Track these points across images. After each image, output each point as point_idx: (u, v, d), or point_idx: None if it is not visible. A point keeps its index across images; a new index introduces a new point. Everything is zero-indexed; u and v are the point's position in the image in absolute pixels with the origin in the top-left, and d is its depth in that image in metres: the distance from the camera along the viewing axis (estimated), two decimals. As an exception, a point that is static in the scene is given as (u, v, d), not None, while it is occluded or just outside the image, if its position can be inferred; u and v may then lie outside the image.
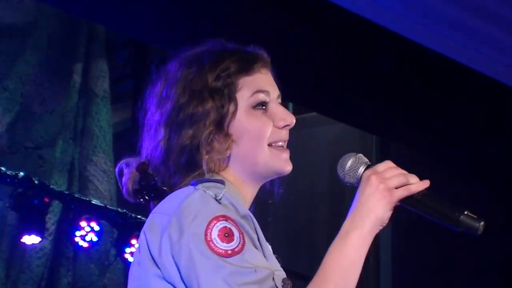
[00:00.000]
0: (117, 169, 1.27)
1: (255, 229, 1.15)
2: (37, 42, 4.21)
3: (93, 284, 4.28)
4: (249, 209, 1.26)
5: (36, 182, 3.87)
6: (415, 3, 3.32)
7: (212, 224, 1.09)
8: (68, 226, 4.16)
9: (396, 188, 1.13)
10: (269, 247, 1.21)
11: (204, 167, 1.19)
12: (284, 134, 1.24)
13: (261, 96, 1.23)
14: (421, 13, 3.35)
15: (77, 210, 4.10)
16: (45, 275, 4.18)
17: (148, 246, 1.13)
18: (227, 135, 1.21)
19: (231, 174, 1.23)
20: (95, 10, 3.18)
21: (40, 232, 3.92)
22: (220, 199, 1.12)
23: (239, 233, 1.09)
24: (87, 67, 4.35)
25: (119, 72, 4.62)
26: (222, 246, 1.07)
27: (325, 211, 6.81)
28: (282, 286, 1.10)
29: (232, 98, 1.22)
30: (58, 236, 4.21)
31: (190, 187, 1.15)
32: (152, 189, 1.23)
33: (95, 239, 4.17)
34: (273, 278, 1.09)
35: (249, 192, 1.25)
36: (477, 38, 3.48)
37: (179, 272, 1.08)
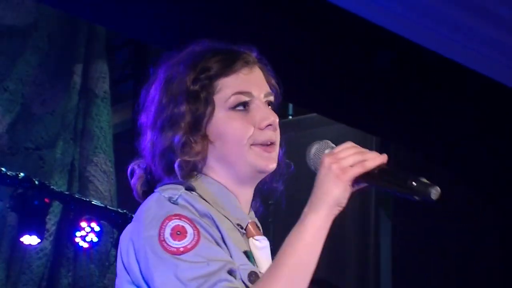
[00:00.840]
0: (129, 170, 1.28)
1: (218, 228, 1.15)
2: (37, 43, 4.21)
3: (94, 285, 4.29)
4: (253, 210, 1.28)
5: (36, 182, 3.87)
6: (415, 3, 3.32)
7: (164, 224, 1.10)
8: (68, 227, 4.16)
9: (352, 166, 1.11)
10: (256, 243, 1.21)
11: (176, 169, 1.20)
12: (269, 134, 1.23)
13: (240, 98, 1.22)
14: (421, 13, 3.35)
15: (78, 210, 4.10)
16: (46, 276, 4.18)
17: (121, 255, 1.17)
18: (204, 137, 1.21)
19: (218, 175, 1.24)
20: (95, 10, 3.18)
21: (40, 232, 3.92)
22: (176, 200, 1.13)
23: (193, 230, 1.10)
24: (87, 68, 4.36)
25: (119, 73, 4.61)
26: (174, 244, 1.09)
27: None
28: (248, 279, 1.12)
29: (209, 101, 1.21)
30: (58, 237, 4.21)
31: (154, 193, 1.18)
32: None
33: (95, 239, 4.18)
34: (230, 271, 1.09)
35: (242, 192, 1.25)
36: (477, 38, 3.48)
37: (141, 275, 1.12)
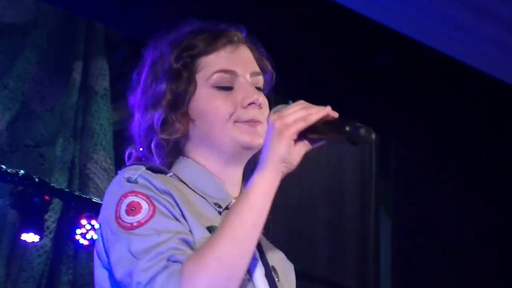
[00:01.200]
0: (126, 154, 1.29)
1: (178, 205, 1.14)
2: (37, 41, 4.20)
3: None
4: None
5: (36, 180, 3.87)
6: (415, 1, 3.31)
7: (120, 202, 1.12)
8: (68, 224, 4.16)
9: (295, 122, 1.10)
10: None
11: (153, 147, 1.21)
12: (253, 113, 1.21)
13: (222, 76, 1.21)
14: (422, 11, 3.34)
15: (78, 208, 4.10)
16: (46, 273, 4.18)
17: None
18: (185, 115, 1.21)
19: (202, 157, 1.23)
20: (94, 8, 3.18)
21: (40, 230, 3.92)
22: (135, 179, 1.14)
23: (149, 206, 1.10)
24: (86, 65, 4.35)
25: (118, 70, 4.60)
26: (128, 220, 1.10)
27: (325, 210, 6.80)
28: None
29: (190, 79, 1.21)
30: (58, 234, 4.21)
31: (116, 175, 1.20)
32: None
33: (95, 237, 4.17)
34: (183, 241, 1.09)
35: (229, 173, 1.24)
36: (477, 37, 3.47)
37: (107, 256, 1.13)
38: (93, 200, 4.11)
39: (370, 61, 3.40)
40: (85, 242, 4.14)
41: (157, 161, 1.24)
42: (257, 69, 1.26)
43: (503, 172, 3.86)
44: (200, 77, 1.22)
